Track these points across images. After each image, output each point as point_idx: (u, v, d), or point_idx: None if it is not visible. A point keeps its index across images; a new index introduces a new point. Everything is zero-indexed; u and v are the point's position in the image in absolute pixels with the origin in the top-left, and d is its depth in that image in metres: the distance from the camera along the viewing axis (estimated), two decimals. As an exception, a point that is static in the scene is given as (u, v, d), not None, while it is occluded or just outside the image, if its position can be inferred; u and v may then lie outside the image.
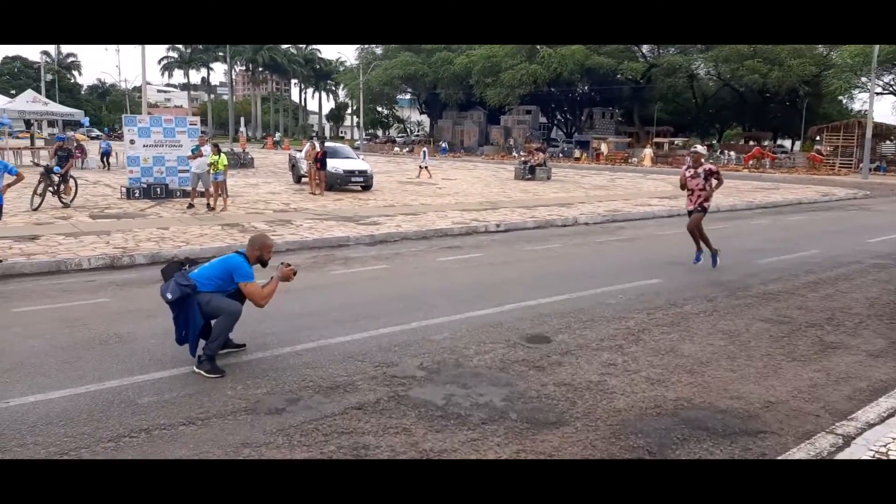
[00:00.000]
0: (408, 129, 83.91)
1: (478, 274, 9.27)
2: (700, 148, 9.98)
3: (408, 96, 73.87)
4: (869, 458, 3.82)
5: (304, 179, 21.23)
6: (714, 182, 9.24)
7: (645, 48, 52.28)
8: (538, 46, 50.17)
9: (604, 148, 46.37)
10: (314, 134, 69.89)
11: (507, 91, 50.78)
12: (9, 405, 4.46)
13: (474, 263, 10.07)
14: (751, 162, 38.52)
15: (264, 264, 5.47)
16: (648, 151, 42.96)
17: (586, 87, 56.25)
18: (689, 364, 5.54)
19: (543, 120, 62.23)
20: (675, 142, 50.00)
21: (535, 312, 6.98)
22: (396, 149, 59.72)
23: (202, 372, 5.09)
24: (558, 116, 63.80)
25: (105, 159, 28.34)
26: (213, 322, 5.25)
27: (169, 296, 5.10)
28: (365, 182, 20.54)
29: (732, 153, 43.73)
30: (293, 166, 23.41)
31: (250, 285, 5.22)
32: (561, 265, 10.05)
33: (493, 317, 6.80)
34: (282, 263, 5.45)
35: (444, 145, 55.55)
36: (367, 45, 67.51)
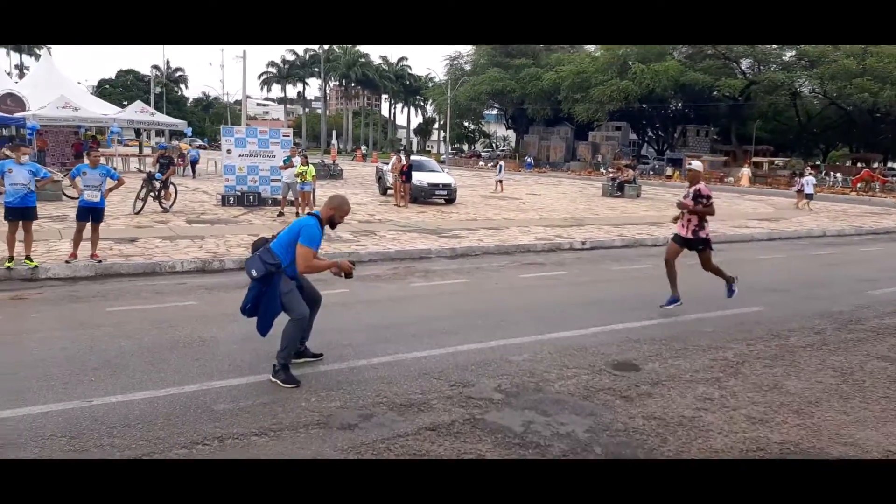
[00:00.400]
0: (493, 144, 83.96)
1: (561, 293, 8.92)
2: (696, 164, 8.20)
3: (494, 111, 73.95)
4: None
5: (389, 191, 21.46)
6: (700, 206, 7.52)
7: (744, 64, 50.08)
8: (630, 62, 49.06)
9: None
10: (402, 147, 71.12)
11: (597, 107, 49.90)
12: (91, 404, 4.55)
13: (557, 281, 9.72)
14: (859, 185, 35.96)
15: (333, 226, 5.34)
16: (746, 171, 40.94)
17: (680, 104, 54.48)
18: (795, 403, 5.02)
19: (634, 136, 60.70)
20: (776, 162, 47.48)
21: (622, 337, 6.59)
22: (481, 163, 59.78)
23: (278, 381, 5.04)
24: (650, 133, 62.08)
25: (192, 167, 29.66)
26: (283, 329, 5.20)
27: (254, 272, 5.03)
28: (448, 195, 20.54)
29: (839, 175, 41.03)
30: (380, 178, 23.75)
31: (306, 248, 5.00)
32: (651, 287, 9.51)
33: (576, 339, 6.46)
34: (350, 261, 5.34)
35: (529, 160, 55.08)
36: (455, 61, 68.15)
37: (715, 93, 48.51)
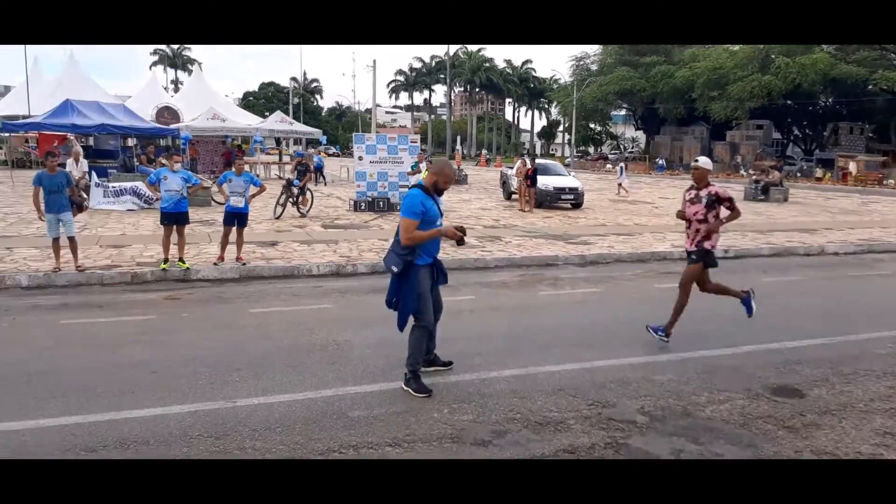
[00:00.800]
0: (621, 146, 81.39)
1: (704, 306, 8.25)
2: (703, 160, 6.62)
3: (622, 112, 71.66)
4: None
5: (514, 196, 21.25)
6: (721, 212, 6.33)
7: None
8: (773, 56, 45.68)
9: (852, 167, 40.66)
10: (525, 151, 70.59)
11: (736, 104, 46.84)
12: (235, 405, 4.70)
13: (699, 293, 9.04)
14: None
15: (440, 192, 5.13)
16: (910, 172, 36.78)
17: (830, 100, 49.96)
18: None
19: (777, 135, 56.47)
20: (946, 161, 42.31)
21: (780, 358, 5.96)
22: (609, 166, 58.06)
23: (410, 390, 4.98)
24: (795, 131, 57.43)
25: (318, 174, 30.61)
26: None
27: (394, 268, 4.96)
28: (575, 200, 19.99)
29: None
30: (504, 183, 23.61)
31: (407, 219, 4.87)
32: (808, 301, 8.64)
33: (726, 359, 5.92)
34: (457, 227, 5.05)
35: (660, 162, 52.76)
36: (581, 62, 66.75)
37: (871, 87, 44.02)
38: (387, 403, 4.80)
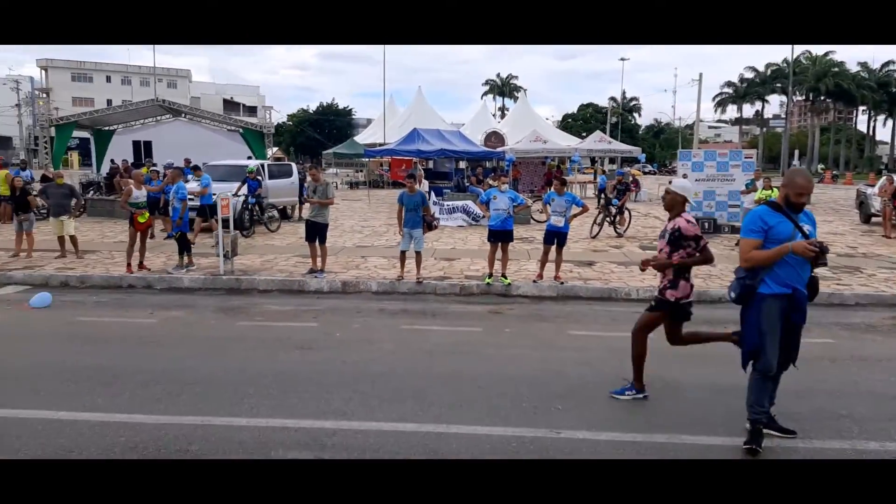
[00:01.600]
0: None
1: None
2: (679, 183, 5.26)
3: None
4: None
5: (875, 219, 17.83)
6: (683, 255, 4.97)
7: None
8: None
9: None
10: (883, 166, 59.53)
11: None
12: (559, 436, 4.45)
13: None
14: None
15: (794, 208, 4.17)
16: None
17: None
18: None
19: None
20: None
21: None
22: None
23: (754, 447, 4.18)
24: None
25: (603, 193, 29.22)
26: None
27: (732, 294, 4.33)
28: (967, 226, 15.90)
29: None
30: (861, 203, 20.00)
31: (743, 240, 4.30)
32: None
33: None
34: (811, 242, 3.98)
35: None
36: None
37: None
38: (729, 462, 4.09)
